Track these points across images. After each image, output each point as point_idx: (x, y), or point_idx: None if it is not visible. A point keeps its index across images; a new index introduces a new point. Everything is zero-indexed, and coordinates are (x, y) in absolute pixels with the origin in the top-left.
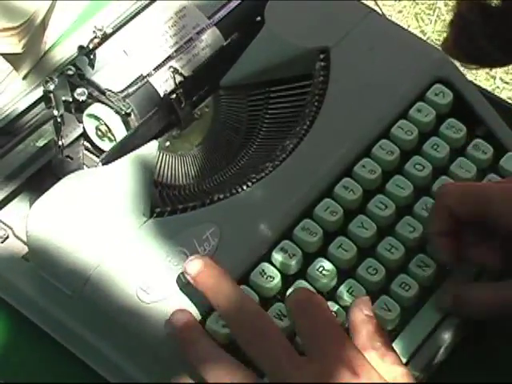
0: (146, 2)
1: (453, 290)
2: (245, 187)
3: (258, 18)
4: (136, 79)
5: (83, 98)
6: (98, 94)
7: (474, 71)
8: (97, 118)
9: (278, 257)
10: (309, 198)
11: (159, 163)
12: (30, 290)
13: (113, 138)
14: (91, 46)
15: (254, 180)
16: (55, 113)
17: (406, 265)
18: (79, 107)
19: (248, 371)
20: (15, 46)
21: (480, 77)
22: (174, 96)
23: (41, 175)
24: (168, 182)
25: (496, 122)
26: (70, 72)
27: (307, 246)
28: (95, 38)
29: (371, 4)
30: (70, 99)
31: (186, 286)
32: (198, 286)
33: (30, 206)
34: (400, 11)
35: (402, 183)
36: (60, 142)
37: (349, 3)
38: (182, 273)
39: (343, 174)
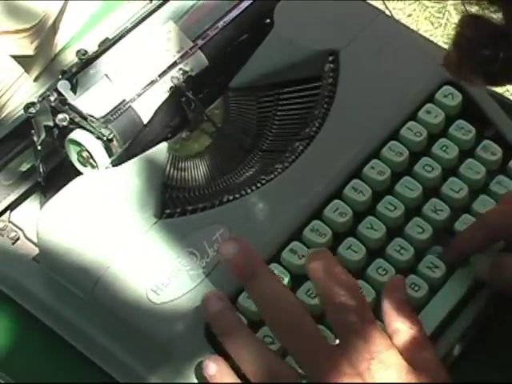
0: (129, 26)
1: (491, 257)
2: (254, 188)
3: (268, 20)
4: (119, 104)
5: (64, 123)
6: (80, 120)
7: None
8: (78, 144)
9: (287, 258)
10: (318, 200)
11: (169, 165)
12: (41, 292)
13: (95, 165)
14: (73, 71)
15: (264, 181)
16: (35, 139)
17: (416, 266)
18: (61, 133)
19: (283, 361)
20: (27, 48)
21: None
22: (183, 98)
23: (51, 177)
24: (178, 183)
25: (505, 123)
26: (52, 97)
27: (316, 248)
28: (78, 62)
29: (381, 7)
30: (52, 124)
31: (196, 286)
32: (233, 269)
33: (41, 208)
34: (410, 15)
35: (411, 184)
36: (41, 168)
37: (358, 5)
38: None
39: (352, 176)
